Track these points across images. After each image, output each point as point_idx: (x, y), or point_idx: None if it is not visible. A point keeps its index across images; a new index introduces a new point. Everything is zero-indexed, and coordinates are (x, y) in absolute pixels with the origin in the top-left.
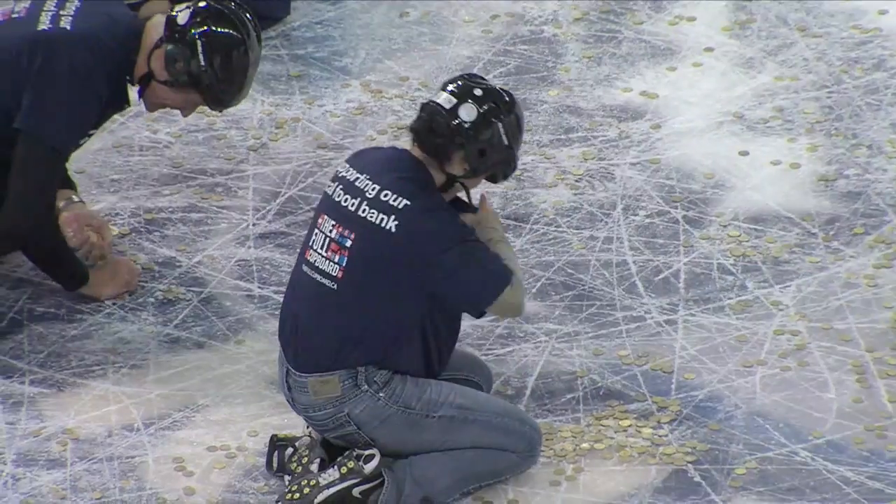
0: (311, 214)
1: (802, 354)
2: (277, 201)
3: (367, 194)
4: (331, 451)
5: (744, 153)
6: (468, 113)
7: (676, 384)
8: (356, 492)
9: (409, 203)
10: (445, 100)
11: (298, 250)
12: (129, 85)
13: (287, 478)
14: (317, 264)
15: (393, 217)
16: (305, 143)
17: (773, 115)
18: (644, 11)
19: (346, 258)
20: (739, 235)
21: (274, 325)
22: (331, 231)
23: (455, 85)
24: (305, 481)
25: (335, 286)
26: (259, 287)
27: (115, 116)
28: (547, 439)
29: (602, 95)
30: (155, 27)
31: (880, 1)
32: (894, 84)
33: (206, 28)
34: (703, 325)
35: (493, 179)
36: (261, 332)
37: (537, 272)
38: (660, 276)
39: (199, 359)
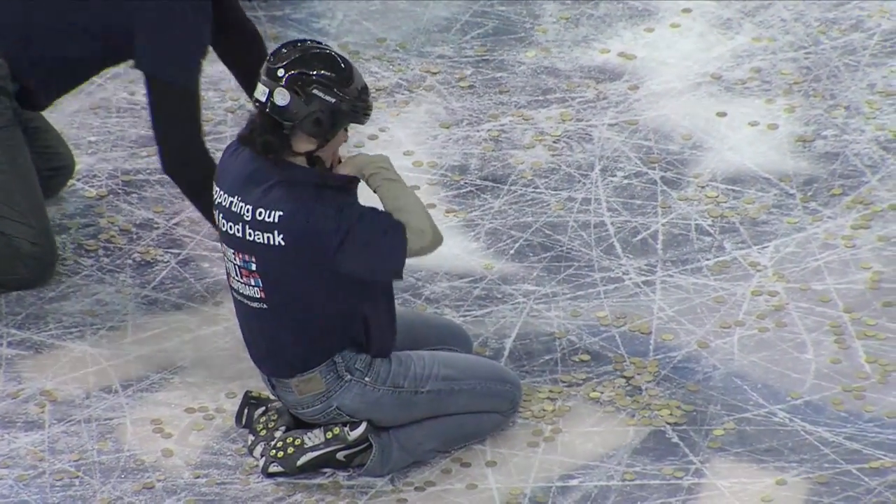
0: None
1: (780, 315)
2: None
3: (244, 217)
4: (300, 421)
5: (721, 114)
6: (282, 97)
7: (654, 345)
8: (340, 455)
9: (282, 213)
10: (261, 93)
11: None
12: None
13: (250, 437)
14: (241, 291)
15: (276, 231)
16: None
17: (751, 75)
18: None
19: (259, 280)
20: (717, 196)
21: None
22: (235, 259)
23: (264, 71)
24: (291, 439)
25: (265, 306)
26: None
27: (94, 79)
28: (525, 400)
29: (580, 56)
30: None
31: None
32: (872, 45)
33: None
34: (681, 286)
35: (359, 122)
36: None
37: (515, 233)
38: (638, 237)
39: (177, 320)
